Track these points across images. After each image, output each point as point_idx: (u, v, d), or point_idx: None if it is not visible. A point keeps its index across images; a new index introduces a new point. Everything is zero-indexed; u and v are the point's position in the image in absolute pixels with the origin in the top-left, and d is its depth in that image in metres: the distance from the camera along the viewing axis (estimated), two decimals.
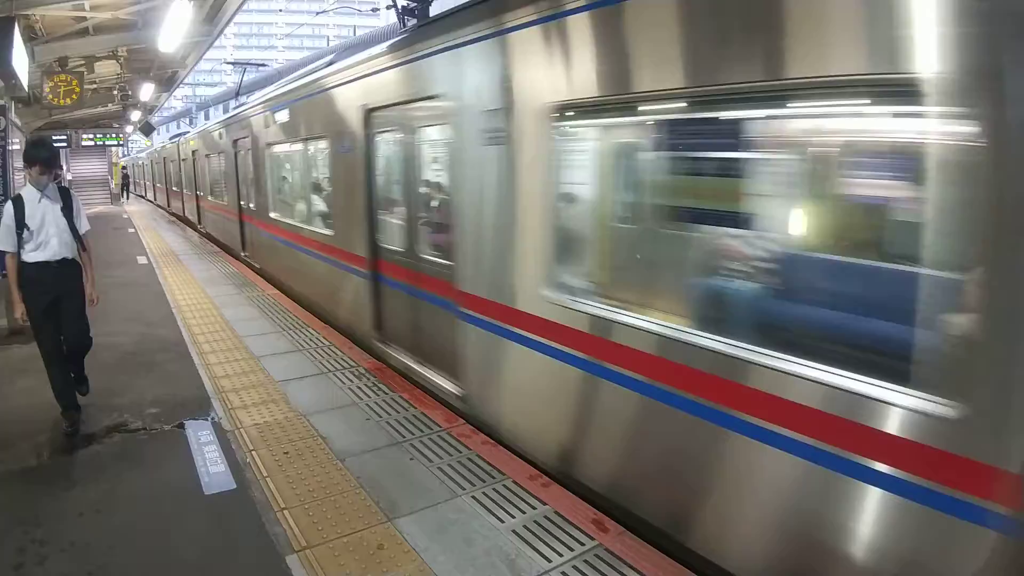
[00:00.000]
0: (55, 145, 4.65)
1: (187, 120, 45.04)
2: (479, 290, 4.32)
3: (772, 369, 2.61)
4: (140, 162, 36.39)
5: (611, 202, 3.78)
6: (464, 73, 4.27)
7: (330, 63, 7.36)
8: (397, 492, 3.53)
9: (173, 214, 23.20)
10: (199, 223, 17.37)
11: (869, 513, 2.38)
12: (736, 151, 3.00)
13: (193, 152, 17.06)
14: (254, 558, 3.00)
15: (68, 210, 4.49)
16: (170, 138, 25.90)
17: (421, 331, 5.31)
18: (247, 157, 10.68)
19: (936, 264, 2.21)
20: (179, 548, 3.10)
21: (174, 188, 22.67)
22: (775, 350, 2.64)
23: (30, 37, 10.36)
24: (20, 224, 4.31)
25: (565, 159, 3.73)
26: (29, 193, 4.41)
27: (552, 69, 3.55)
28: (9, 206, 4.38)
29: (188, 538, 3.17)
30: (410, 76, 4.99)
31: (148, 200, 33.77)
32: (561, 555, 2.98)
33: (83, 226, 4.60)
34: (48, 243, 4.40)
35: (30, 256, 4.36)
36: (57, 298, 4.45)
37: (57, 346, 4.52)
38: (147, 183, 34.33)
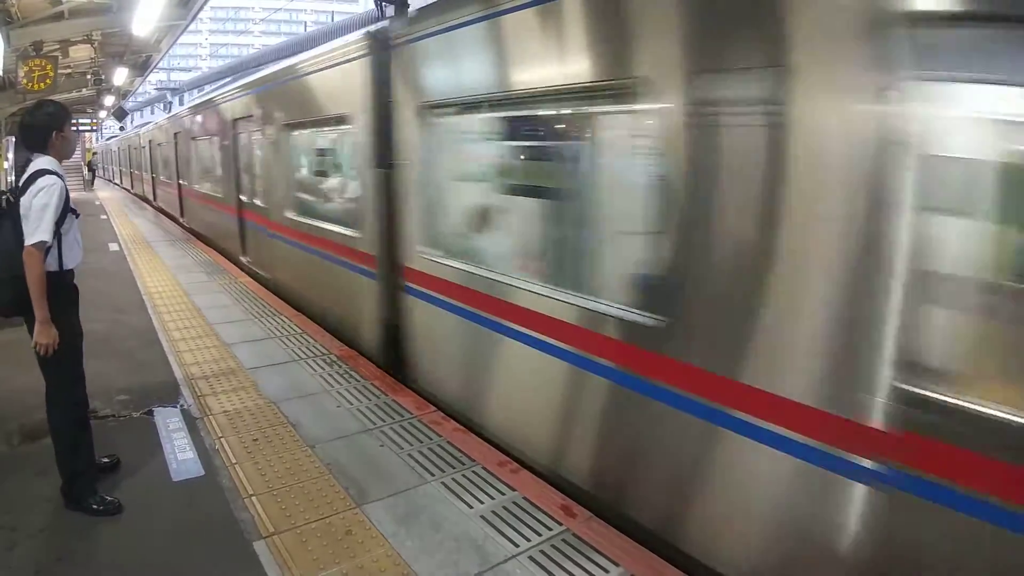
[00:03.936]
0: None
1: (161, 106, 44.44)
2: (273, 218, 7.84)
3: (313, 225, 6.68)
4: (99, 149, 46.59)
5: (305, 166, 7.35)
6: (255, 106, 8.20)
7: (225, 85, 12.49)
8: (366, 478, 3.55)
9: (110, 181, 37.80)
10: (131, 187, 28.13)
11: None
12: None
13: (143, 143, 24.28)
14: (221, 544, 2.99)
15: None
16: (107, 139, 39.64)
17: (259, 248, 8.77)
18: (168, 147, 16.16)
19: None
20: (146, 534, 3.08)
21: (119, 168, 34.49)
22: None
23: (5, 21, 10.10)
24: (66, 210, 3.14)
25: (292, 150, 7.29)
26: (61, 171, 3.22)
27: (276, 108, 7.44)
28: (60, 184, 3.10)
29: (156, 524, 3.16)
30: (246, 102, 8.68)
31: (103, 178, 41.12)
32: (529, 540, 3.02)
33: None
34: (79, 241, 3.36)
35: (69, 257, 3.24)
36: None
37: None
38: (104, 165, 44.47)
